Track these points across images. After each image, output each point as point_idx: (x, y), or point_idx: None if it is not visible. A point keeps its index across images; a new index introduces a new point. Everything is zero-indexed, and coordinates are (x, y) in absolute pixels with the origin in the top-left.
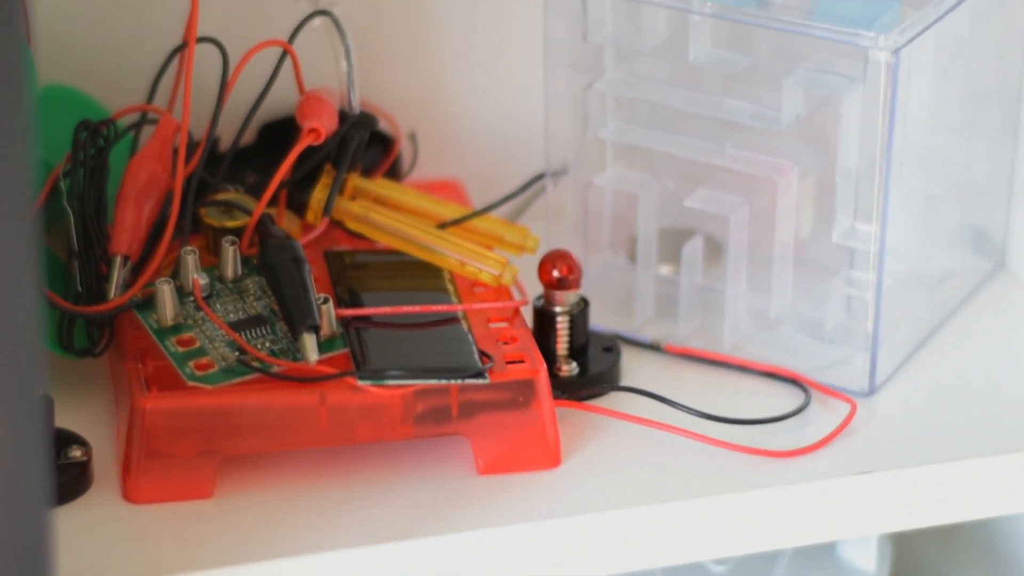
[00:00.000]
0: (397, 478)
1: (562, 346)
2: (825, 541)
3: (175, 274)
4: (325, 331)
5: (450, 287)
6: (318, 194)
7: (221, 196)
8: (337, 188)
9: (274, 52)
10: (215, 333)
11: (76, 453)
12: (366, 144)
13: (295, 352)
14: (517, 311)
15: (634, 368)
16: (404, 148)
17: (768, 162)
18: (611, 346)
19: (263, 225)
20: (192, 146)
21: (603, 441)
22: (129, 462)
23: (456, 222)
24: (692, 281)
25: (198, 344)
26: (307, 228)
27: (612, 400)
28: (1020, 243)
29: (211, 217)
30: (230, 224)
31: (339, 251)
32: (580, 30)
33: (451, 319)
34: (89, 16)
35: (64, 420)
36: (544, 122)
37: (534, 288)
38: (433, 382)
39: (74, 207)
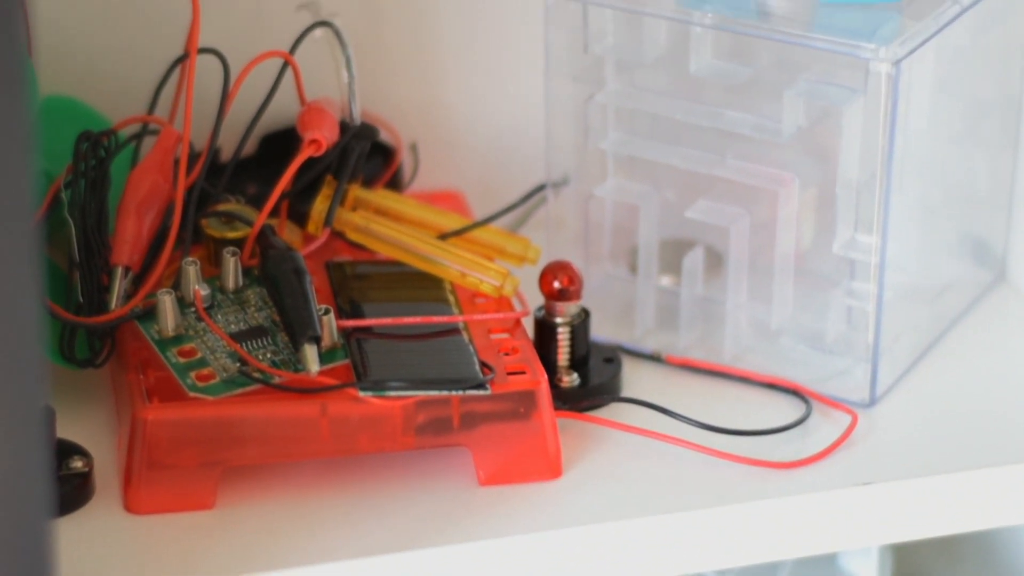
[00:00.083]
0: (398, 489)
1: (563, 357)
2: (826, 552)
3: (176, 285)
4: (326, 342)
5: (451, 298)
6: (319, 205)
7: (222, 207)
8: (338, 199)
9: (275, 63)
10: (216, 344)
11: (77, 464)
12: (367, 155)
13: (296, 363)
14: (518, 322)
15: (635, 379)
16: (405, 159)
17: (769, 173)
18: (612, 357)
19: (264, 236)
20: (193, 157)
21: (604, 452)
22: (130, 473)
23: (457, 233)
24: (693, 292)
25: (199, 355)
26: (308, 239)
27: (613, 411)
28: (1020, 254)
29: (212, 228)
30: (231, 235)
31: (340, 262)
32: (581, 41)
33: (452, 330)
34: (90, 27)
35: (65, 431)
36: (545, 133)
37: (535, 299)
38: (434, 393)
39: (75, 218)
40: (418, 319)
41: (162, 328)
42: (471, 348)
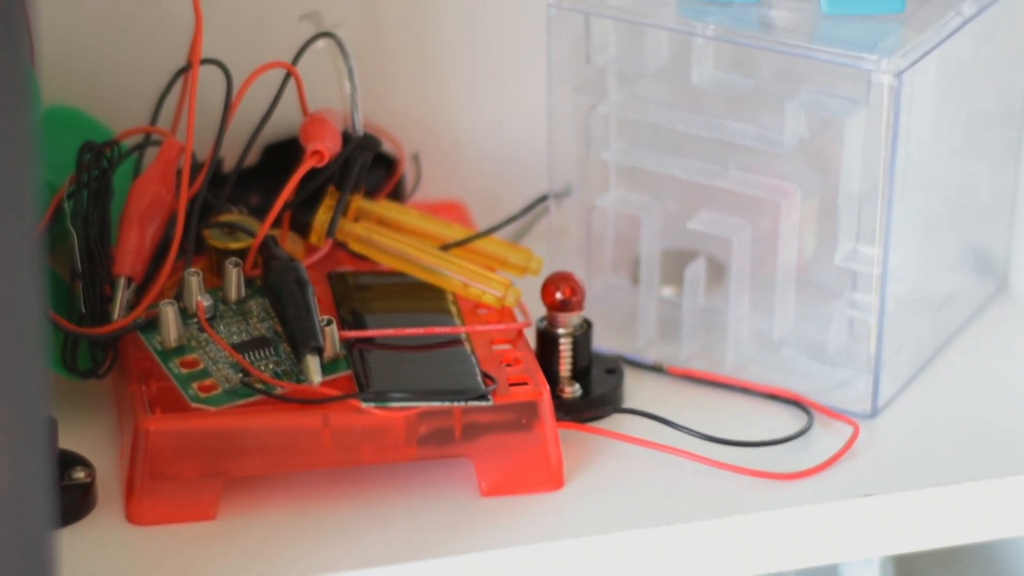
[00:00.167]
0: (400, 500)
1: (565, 368)
2: (828, 563)
3: (179, 296)
4: (328, 353)
5: (453, 309)
6: (321, 216)
7: (224, 218)
8: (340, 210)
9: (277, 74)
10: (219, 355)
11: (80, 474)
12: (369, 165)
13: (298, 374)
14: (520, 333)
15: (637, 390)
16: (407, 169)
17: (771, 184)
18: (614, 368)
19: (266, 247)
20: (196, 167)
21: (606, 463)
22: (133, 484)
23: (459, 243)
24: (695, 303)
25: (202, 366)
26: (310, 250)
27: (615, 422)
28: (1022, 265)
29: (215, 239)
30: (233, 246)
31: (342, 273)
32: (583, 52)
33: (454, 341)
34: (93, 38)
35: (68, 441)
36: (547, 144)
37: (537, 310)
38: (436, 404)
39: (78, 228)
40: (420, 330)
41: (164, 339)
42: (473, 359)
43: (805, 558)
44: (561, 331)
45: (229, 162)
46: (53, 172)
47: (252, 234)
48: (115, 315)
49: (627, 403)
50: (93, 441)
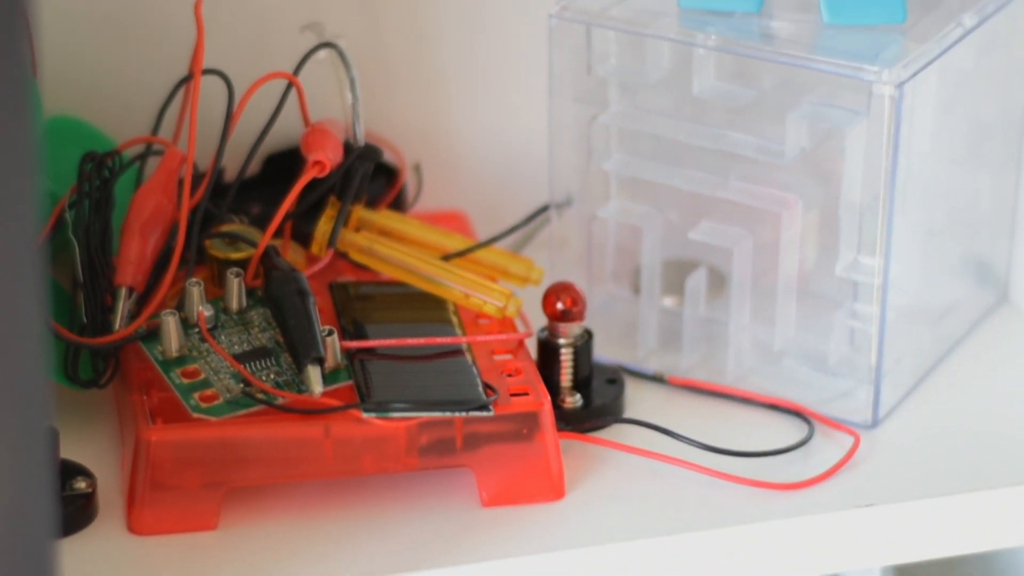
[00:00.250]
0: (401, 510)
1: (566, 378)
2: (828, 573)
3: (180, 306)
4: (329, 363)
5: (454, 319)
6: (323, 226)
7: (226, 227)
8: (342, 220)
9: (279, 84)
10: (220, 365)
11: (81, 484)
12: (371, 175)
13: (300, 384)
14: (521, 343)
15: (638, 400)
16: (408, 179)
17: (772, 195)
18: (615, 378)
19: (268, 257)
20: (197, 177)
21: (607, 473)
22: (134, 494)
23: (460, 254)
24: (696, 313)
25: (203, 376)
26: (312, 260)
27: (616, 432)
28: (1023, 276)
29: (216, 249)
30: (235, 256)
31: (343, 283)
32: (584, 63)
33: (455, 351)
34: (95, 48)
35: (69, 451)
36: (548, 154)
37: (538, 320)
38: (437, 414)
39: (79, 238)
40: (421, 340)
41: (166, 349)
42: (474, 369)
43: (806, 568)
44: (562, 341)
45: (231, 172)
46: (55, 182)
47: (253, 244)
48: (116, 325)
49: (628, 413)
50: (94, 451)
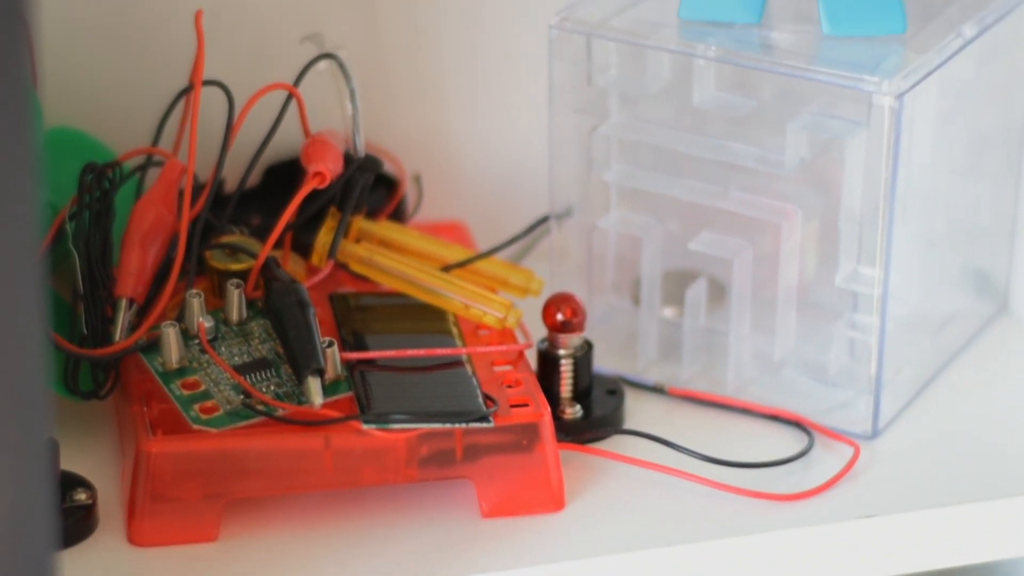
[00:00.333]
0: (401, 521)
1: (566, 389)
2: None
3: (180, 317)
4: (330, 374)
5: (454, 330)
6: (323, 237)
7: (226, 239)
8: (342, 231)
9: (279, 95)
10: (220, 376)
11: (81, 496)
12: (371, 186)
13: (300, 395)
14: (521, 354)
15: (638, 410)
16: (409, 190)
17: (772, 205)
18: (615, 389)
19: (268, 268)
20: (197, 188)
21: (607, 484)
22: (134, 505)
23: (460, 265)
24: (696, 323)
25: (203, 387)
26: (312, 271)
27: (616, 443)
28: (1023, 286)
29: (216, 260)
30: (235, 267)
31: (344, 294)
32: (585, 74)
33: (455, 362)
34: (95, 59)
35: (69, 463)
36: (548, 165)
37: (538, 331)
38: (437, 426)
39: (80, 249)
40: (421, 351)
41: (166, 360)
42: (474, 380)
43: None
44: (562, 352)
45: (231, 183)
46: (55, 193)
47: (254, 255)
48: (117, 336)
49: (628, 424)
50: (95, 462)
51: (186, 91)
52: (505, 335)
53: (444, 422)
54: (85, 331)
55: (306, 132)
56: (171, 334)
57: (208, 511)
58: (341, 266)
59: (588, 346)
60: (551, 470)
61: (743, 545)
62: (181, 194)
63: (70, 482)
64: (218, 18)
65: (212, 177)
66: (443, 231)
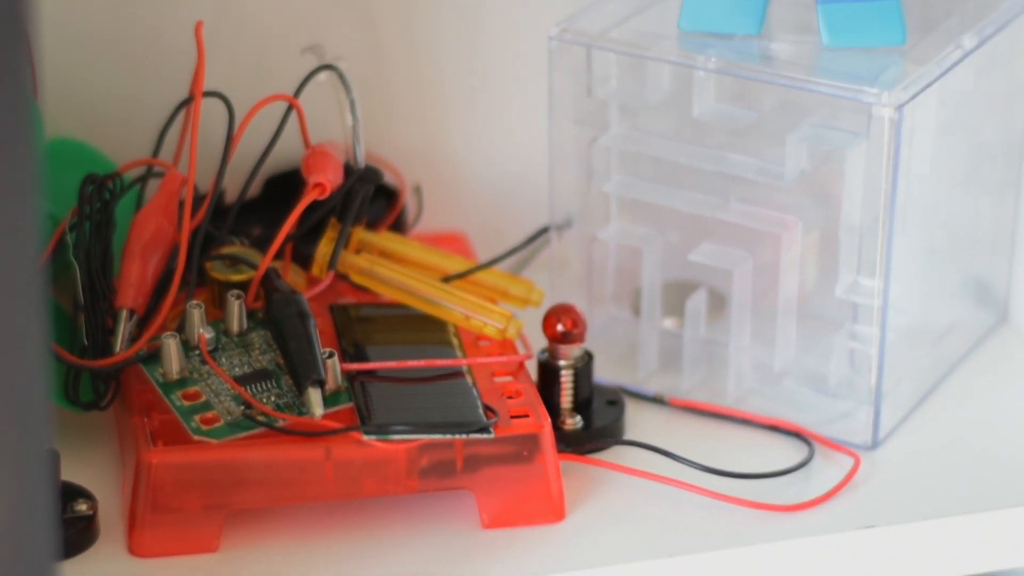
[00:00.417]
0: (402, 532)
1: (566, 400)
2: None
3: (181, 328)
4: (330, 385)
5: (455, 341)
6: (323, 248)
7: (226, 250)
8: (342, 242)
9: (279, 106)
10: (221, 387)
11: (82, 507)
12: (371, 197)
13: (300, 406)
14: (521, 365)
15: (638, 421)
16: (409, 201)
17: (772, 217)
18: (615, 399)
19: (268, 279)
20: (198, 199)
21: (607, 495)
22: (135, 516)
23: (461, 275)
24: (696, 334)
25: (204, 398)
26: (312, 281)
27: (616, 454)
28: (1023, 296)
29: (216, 271)
30: (235, 278)
31: (344, 305)
32: (585, 85)
33: (456, 373)
34: (96, 70)
35: (70, 473)
36: (549, 176)
37: (538, 341)
38: (438, 437)
39: (80, 260)
40: (422, 362)
41: (166, 371)
42: (475, 391)
43: None
44: (562, 363)
45: (231, 194)
46: (55, 204)
47: (254, 266)
48: (117, 347)
49: (628, 435)
50: (95, 473)
51: (186, 102)
52: (505, 346)
53: (444, 433)
54: (86, 342)
55: (306, 143)
56: (171, 345)
57: (209, 522)
58: (341, 277)
59: (588, 357)
60: (551, 481)
61: (743, 556)
62: (181, 205)
63: (71, 493)
64: (218, 29)
65: (212, 188)
66: (443, 242)
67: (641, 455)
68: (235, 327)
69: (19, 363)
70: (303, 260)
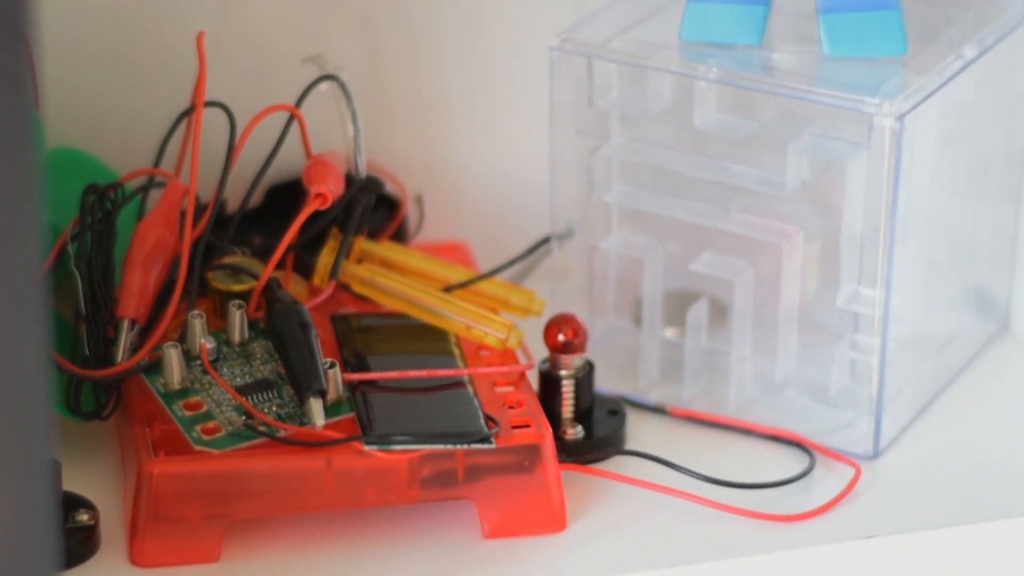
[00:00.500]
0: (403, 542)
1: (567, 410)
2: None
3: (182, 338)
4: (331, 395)
5: (456, 351)
6: (324, 258)
7: (228, 259)
8: (343, 251)
9: (281, 116)
10: (222, 397)
11: (83, 517)
12: (372, 207)
13: (302, 416)
14: (523, 375)
15: (639, 431)
16: (410, 210)
17: (773, 227)
18: (616, 409)
19: (270, 289)
20: (199, 209)
21: (608, 505)
22: (136, 526)
23: (462, 285)
24: (697, 344)
25: (205, 408)
26: (313, 291)
27: (617, 464)
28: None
29: (218, 281)
30: (237, 288)
31: (345, 314)
32: (586, 95)
33: (457, 383)
34: (97, 80)
35: (71, 483)
36: (550, 186)
37: (539, 351)
38: (439, 447)
39: (82, 270)
40: (423, 372)
41: (168, 381)
42: (476, 401)
43: None
44: (563, 373)
45: (233, 204)
46: (57, 214)
47: (255, 276)
48: (119, 357)
49: (629, 445)
50: (97, 483)
51: (188, 112)
52: (507, 356)
53: (446, 443)
54: (87, 352)
55: (308, 153)
56: (173, 355)
57: (210, 532)
58: (343, 287)
59: (589, 367)
60: (552, 491)
61: (744, 566)
62: (183, 215)
63: (72, 503)
64: (219, 40)
65: (214, 198)
66: (444, 252)
67: (642, 465)
68: (236, 337)
69: (20, 373)
70: (304, 270)
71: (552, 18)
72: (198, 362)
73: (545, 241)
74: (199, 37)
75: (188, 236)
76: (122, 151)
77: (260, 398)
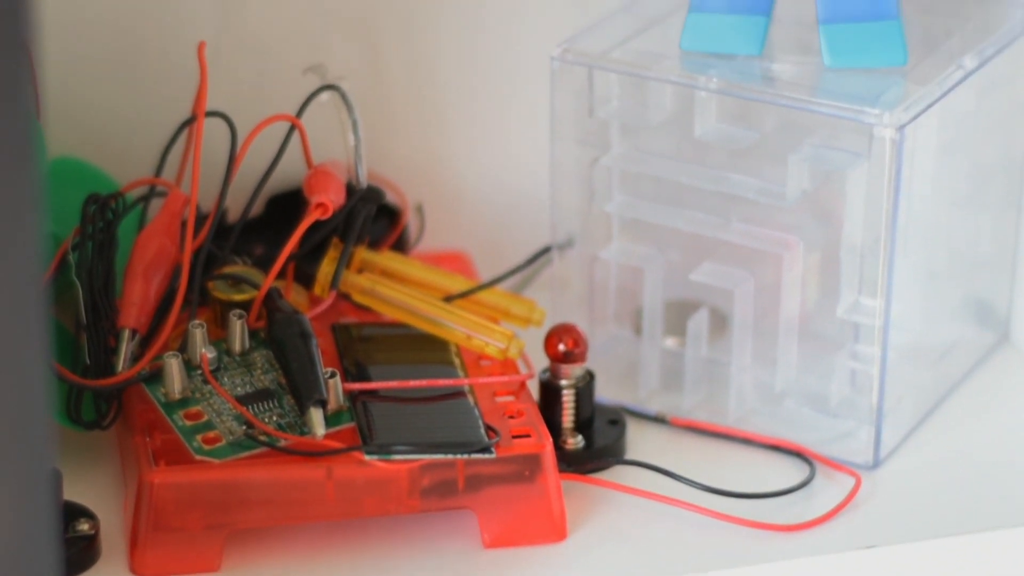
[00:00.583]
0: (403, 552)
1: (568, 419)
2: None
3: (183, 347)
4: (332, 405)
5: (456, 360)
6: (325, 267)
7: (229, 269)
8: (344, 261)
9: (282, 126)
10: (223, 407)
11: (84, 526)
12: (373, 217)
13: (302, 426)
14: (523, 384)
15: (639, 440)
16: (411, 220)
17: (773, 237)
18: (616, 419)
19: (270, 299)
20: (200, 219)
21: (609, 514)
22: (137, 535)
23: (462, 295)
24: (697, 354)
25: (206, 418)
26: (314, 301)
27: (617, 473)
28: None
29: (219, 290)
30: (237, 298)
31: (346, 324)
32: (586, 105)
33: (457, 393)
34: (98, 90)
35: (72, 493)
36: (550, 195)
37: (540, 361)
38: (439, 456)
39: (83, 280)
40: (423, 382)
41: (169, 391)
42: (476, 411)
43: None
44: (564, 382)
45: (233, 214)
46: (58, 224)
47: (256, 286)
48: (119, 367)
49: (629, 454)
50: (97, 493)
51: (189, 122)
52: (507, 365)
53: (446, 453)
54: (88, 361)
55: (308, 163)
56: (174, 364)
57: (210, 541)
58: (343, 296)
59: (590, 376)
60: (553, 501)
61: (745, 575)
62: (184, 225)
63: (72, 512)
64: (220, 49)
65: (215, 208)
66: (445, 261)
67: (642, 475)
68: (237, 347)
69: (21, 382)
70: (305, 280)
71: (552, 29)
72: (199, 372)
73: (545, 251)
74: (200, 47)
75: (189, 246)
76: (123, 161)
77: (261, 408)
